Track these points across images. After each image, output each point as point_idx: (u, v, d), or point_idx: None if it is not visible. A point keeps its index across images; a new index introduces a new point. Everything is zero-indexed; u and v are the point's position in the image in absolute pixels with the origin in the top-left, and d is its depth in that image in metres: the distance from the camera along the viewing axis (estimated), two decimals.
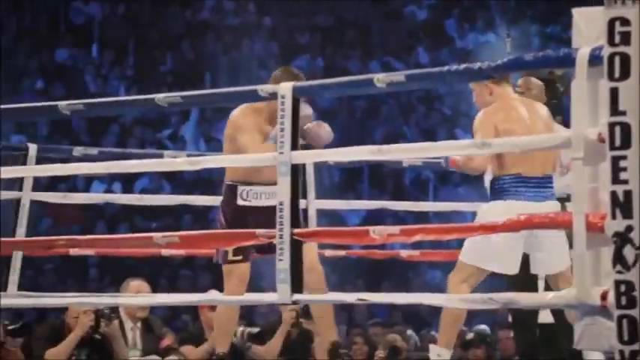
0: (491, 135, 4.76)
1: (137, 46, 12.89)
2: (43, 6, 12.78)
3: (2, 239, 5.92)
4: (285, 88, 4.27)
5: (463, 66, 3.95)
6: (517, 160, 4.82)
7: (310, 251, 5.08)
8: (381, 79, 4.08)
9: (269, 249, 5.01)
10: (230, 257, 5.16)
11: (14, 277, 5.98)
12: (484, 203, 5.00)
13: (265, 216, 4.95)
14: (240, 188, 5.20)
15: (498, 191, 4.86)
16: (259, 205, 5.17)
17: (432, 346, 4.91)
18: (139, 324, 6.36)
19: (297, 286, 4.22)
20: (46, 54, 12.50)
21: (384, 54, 13.24)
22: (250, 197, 5.19)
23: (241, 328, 6.22)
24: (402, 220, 10.28)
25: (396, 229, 4.15)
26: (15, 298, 5.89)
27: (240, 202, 5.19)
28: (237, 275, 5.19)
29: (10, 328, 5.71)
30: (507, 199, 4.83)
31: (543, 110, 5.02)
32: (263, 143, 5.10)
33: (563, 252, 4.86)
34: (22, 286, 6.13)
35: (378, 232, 4.09)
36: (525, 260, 4.91)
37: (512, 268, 4.86)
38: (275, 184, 4.85)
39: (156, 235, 4.57)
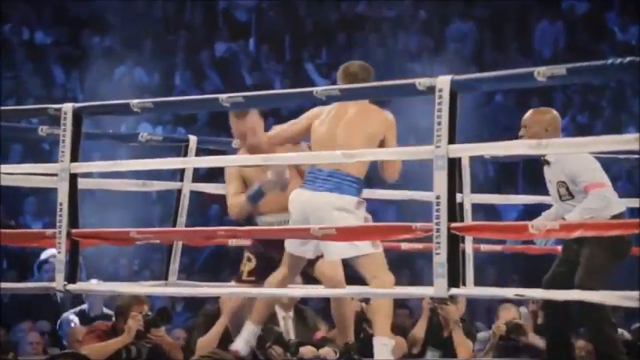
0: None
1: (293, 39, 12.99)
2: (202, 0, 13.02)
3: (164, 229, 6.08)
4: (443, 81, 4.22)
5: (628, 59, 3.86)
6: None
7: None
8: (541, 72, 4.01)
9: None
10: (244, 277, 5.50)
11: (174, 266, 6.06)
12: None
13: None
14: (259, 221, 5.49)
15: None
16: None
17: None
18: (290, 313, 6.40)
19: (454, 280, 4.20)
20: (204, 48, 12.72)
21: (540, 47, 13.04)
22: None
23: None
24: None
25: (555, 224, 4.10)
26: (175, 287, 6.03)
27: None
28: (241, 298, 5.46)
29: (148, 318, 5.83)
30: None
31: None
32: (239, 192, 5.36)
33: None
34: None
35: (536, 228, 4.03)
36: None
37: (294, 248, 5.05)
38: (282, 211, 5.25)
39: (313, 227, 4.61)
